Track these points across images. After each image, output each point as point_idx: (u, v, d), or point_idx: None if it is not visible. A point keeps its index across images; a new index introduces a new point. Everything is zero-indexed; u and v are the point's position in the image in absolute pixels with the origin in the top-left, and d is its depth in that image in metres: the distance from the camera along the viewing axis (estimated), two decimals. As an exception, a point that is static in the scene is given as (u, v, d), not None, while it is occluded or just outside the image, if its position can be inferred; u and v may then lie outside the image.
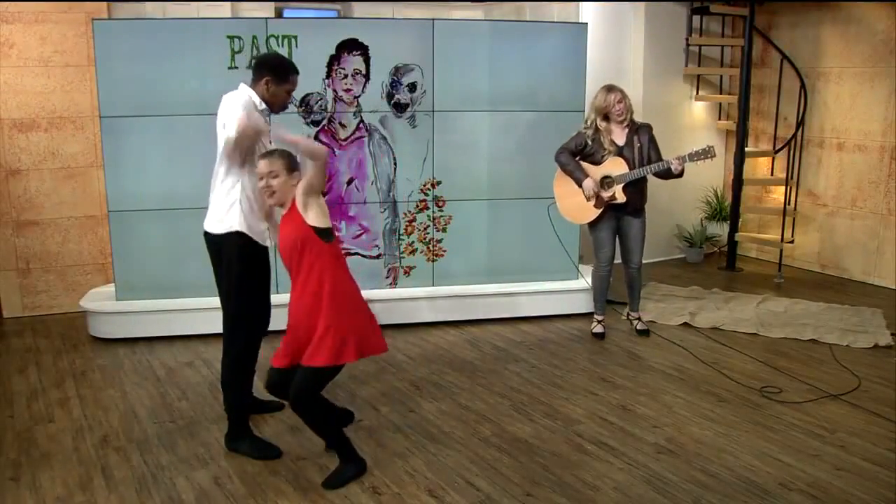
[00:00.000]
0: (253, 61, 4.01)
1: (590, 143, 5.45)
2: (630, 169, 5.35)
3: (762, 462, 3.88)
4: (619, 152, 5.40)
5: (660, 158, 5.36)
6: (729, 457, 3.93)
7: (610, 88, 5.39)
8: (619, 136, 5.43)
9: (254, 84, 3.90)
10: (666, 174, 5.34)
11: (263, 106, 3.90)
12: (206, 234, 3.97)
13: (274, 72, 3.89)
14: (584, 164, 5.49)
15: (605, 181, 5.41)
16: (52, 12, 5.99)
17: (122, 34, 5.46)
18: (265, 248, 3.97)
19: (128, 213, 5.64)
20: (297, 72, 4.00)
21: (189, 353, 5.44)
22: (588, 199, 5.45)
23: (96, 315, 5.74)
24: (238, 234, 3.86)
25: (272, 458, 3.89)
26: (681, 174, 5.32)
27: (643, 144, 5.40)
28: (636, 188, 5.45)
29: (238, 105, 3.70)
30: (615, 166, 5.40)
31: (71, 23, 6.05)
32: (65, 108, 6.14)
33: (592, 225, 5.60)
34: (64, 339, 5.76)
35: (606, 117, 5.41)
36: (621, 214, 5.53)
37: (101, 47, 5.44)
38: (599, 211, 5.49)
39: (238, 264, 3.88)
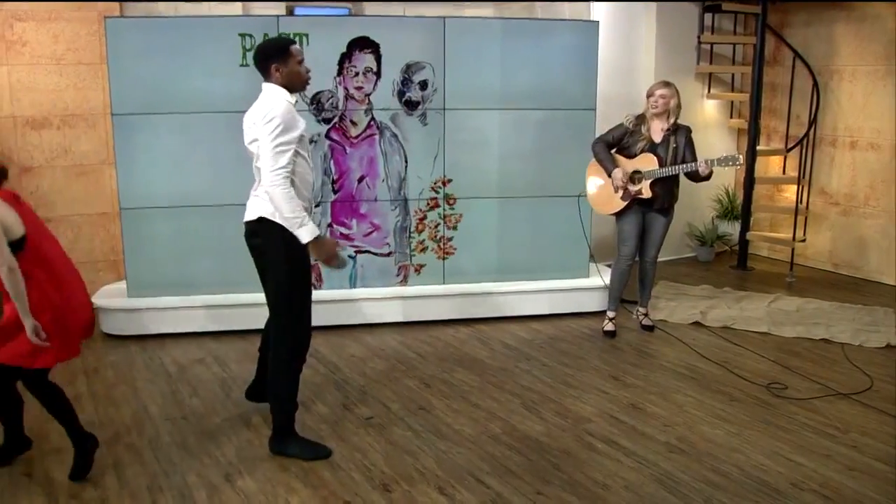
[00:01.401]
0: (253, 60, 3.89)
1: (630, 129, 5.51)
2: (660, 167, 5.38)
3: (774, 462, 3.87)
4: (654, 149, 5.43)
5: (694, 160, 5.37)
6: (740, 456, 3.92)
7: (666, 83, 5.47)
8: (657, 134, 5.47)
9: (268, 78, 3.81)
10: (693, 176, 5.38)
11: (295, 99, 3.82)
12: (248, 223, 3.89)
13: (275, 55, 3.78)
14: (618, 157, 5.53)
15: (635, 176, 5.44)
16: (65, 10, 6.02)
17: (134, 32, 5.48)
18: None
19: (139, 211, 5.66)
20: (294, 42, 3.90)
21: (200, 350, 5.46)
22: (616, 189, 5.48)
23: (108, 312, 5.76)
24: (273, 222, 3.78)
25: (324, 458, 3.87)
26: (708, 177, 5.38)
27: (679, 145, 5.42)
28: (665, 187, 5.47)
29: (271, 142, 3.63)
30: (646, 162, 5.43)
31: (83, 21, 6.07)
32: (77, 105, 6.17)
33: (619, 218, 5.63)
34: (76, 336, 5.77)
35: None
36: (648, 210, 5.56)
37: (113, 45, 5.45)
38: (624, 203, 5.53)
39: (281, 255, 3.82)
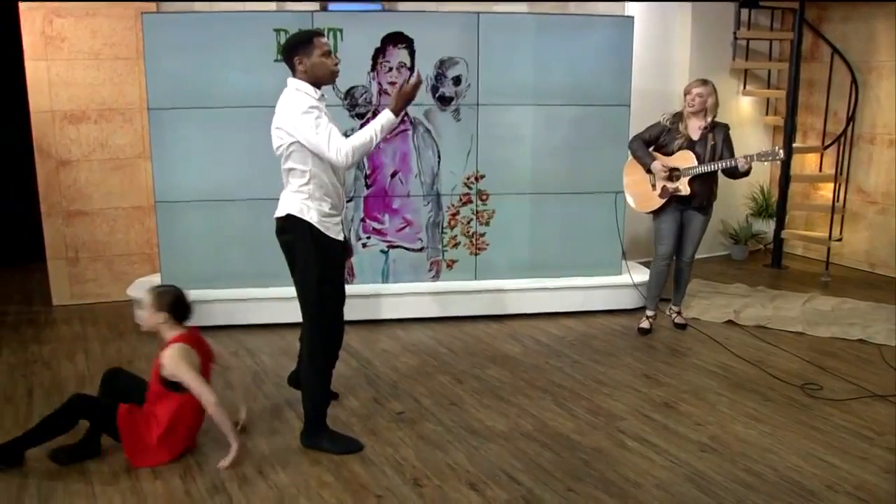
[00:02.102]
0: (282, 50, 3.86)
1: (668, 128, 5.48)
2: (698, 164, 5.34)
3: (808, 463, 3.82)
4: (692, 146, 5.39)
5: (732, 157, 5.33)
6: (774, 457, 3.88)
7: (703, 81, 5.42)
8: (695, 132, 5.43)
9: (294, 73, 3.76)
10: (732, 172, 5.33)
11: (319, 93, 3.77)
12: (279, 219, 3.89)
13: (298, 48, 3.72)
14: (655, 155, 5.51)
15: (673, 173, 5.41)
16: (103, 6, 6.08)
17: (170, 28, 5.53)
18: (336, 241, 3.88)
19: (174, 204, 5.72)
20: (318, 33, 3.79)
21: (233, 342, 5.50)
22: (659, 181, 5.47)
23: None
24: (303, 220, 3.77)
25: (355, 452, 3.87)
26: (747, 173, 5.32)
27: (717, 143, 5.38)
28: (704, 184, 5.43)
29: (308, 122, 3.62)
30: (684, 160, 5.40)
31: (120, 17, 6.14)
32: (114, 100, 6.24)
33: (656, 216, 5.61)
34: (111, 328, 5.86)
35: None
36: (686, 208, 5.52)
37: (149, 41, 5.51)
38: (663, 201, 5.50)
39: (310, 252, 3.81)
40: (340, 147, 3.61)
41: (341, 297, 4.04)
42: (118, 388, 3.92)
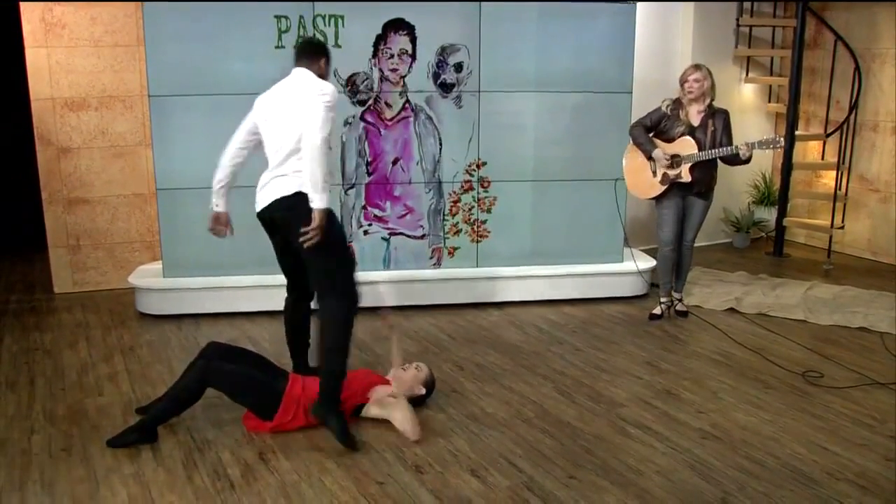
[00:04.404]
0: (307, 46, 4.22)
1: (668, 114, 5.47)
2: (699, 151, 5.33)
3: (809, 450, 3.82)
4: (692, 133, 5.39)
5: (730, 144, 5.32)
6: (775, 444, 3.88)
7: (697, 66, 5.42)
8: (695, 118, 5.42)
9: (310, 64, 4.06)
10: (733, 159, 5.33)
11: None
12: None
13: (329, 55, 4.20)
14: (656, 142, 5.50)
15: (674, 160, 5.40)
16: (103, -8, 6.07)
17: (171, 14, 5.51)
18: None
19: (175, 192, 5.71)
20: None
21: (234, 330, 5.50)
22: (660, 167, 5.47)
23: (144, 292, 5.83)
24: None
25: (350, 448, 3.80)
26: (748, 160, 5.30)
27: (717, 129, 5.37)
28: (704, 170, 5.42)
29: (324, 109, 3.81)
30: (685, 146, 5.39)
31: (121, 4, 6.11)
32: (114, 87, 6.22)
33: (658, 203, 5.61)
34: (112, 315, 5.86)
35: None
36: (687, 194, 5.52)
37: (150, 27, 5.49)
38: (664, 188, 5.50)
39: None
40: (323, 144, 3.79)
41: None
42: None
